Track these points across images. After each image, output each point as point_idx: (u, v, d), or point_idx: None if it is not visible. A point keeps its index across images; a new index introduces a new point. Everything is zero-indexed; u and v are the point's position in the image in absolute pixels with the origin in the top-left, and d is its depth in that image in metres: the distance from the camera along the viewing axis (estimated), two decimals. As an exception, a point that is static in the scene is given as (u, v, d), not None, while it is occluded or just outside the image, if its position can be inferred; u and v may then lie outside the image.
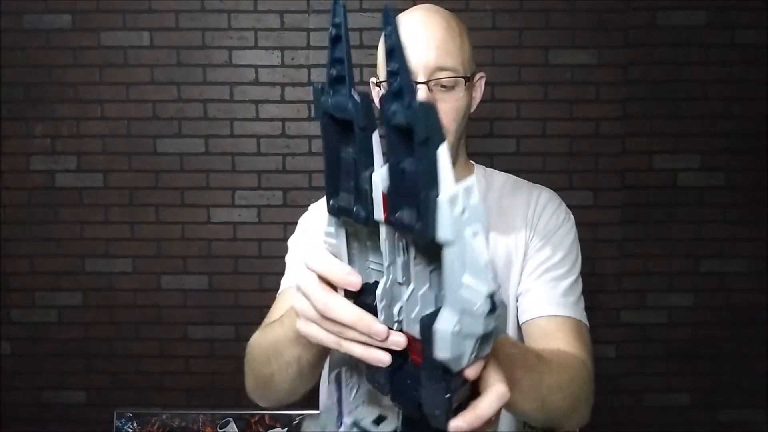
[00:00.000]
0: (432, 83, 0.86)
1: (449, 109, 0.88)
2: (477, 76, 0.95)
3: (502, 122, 1.99)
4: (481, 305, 0.40)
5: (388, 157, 0.44)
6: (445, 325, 0.42)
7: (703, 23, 1.97)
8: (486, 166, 1.05)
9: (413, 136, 0.40)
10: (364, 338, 0.48)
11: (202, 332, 2.04)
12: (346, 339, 0.49)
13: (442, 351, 0.42)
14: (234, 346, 1.99)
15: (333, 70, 0.47)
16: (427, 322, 0.44)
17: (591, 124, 2.00)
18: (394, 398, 0.51)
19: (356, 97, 0.44)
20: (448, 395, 0.45)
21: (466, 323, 0.41)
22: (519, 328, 0.94)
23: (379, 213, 0.43)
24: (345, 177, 0.47)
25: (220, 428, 1.77)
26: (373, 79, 0.95)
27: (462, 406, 0.48)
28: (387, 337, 0.47)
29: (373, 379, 0.52)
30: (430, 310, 0.47)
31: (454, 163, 0.95)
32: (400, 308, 0.48)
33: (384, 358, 0.48)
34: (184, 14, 1.98)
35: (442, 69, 0.86)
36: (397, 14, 0.46)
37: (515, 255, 0.94)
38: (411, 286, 0.47)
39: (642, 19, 1.98)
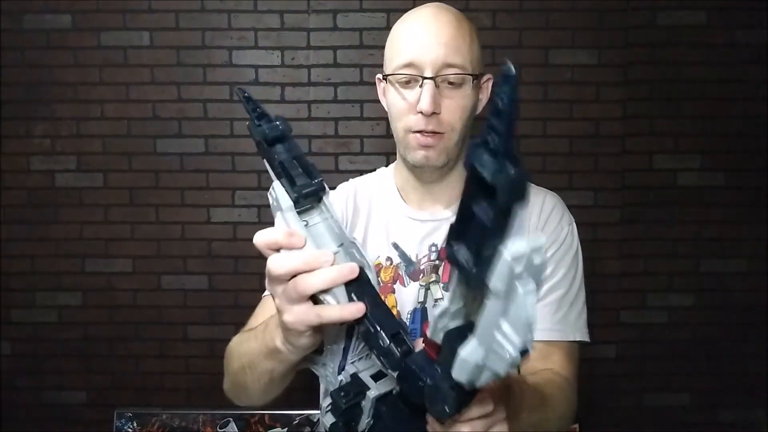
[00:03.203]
0: (439, 79, 0.86)
1: (456, 106, 0.87)
2: (485, 78, 0.94)
3: (502, 122, 1.99)
4: (512, 355, 0.42)
5: (463, 193, 0.44)
6: (471, 355, 0.44)
7: (703, 23, 1.97)
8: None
9: (495, 193, 0.40)
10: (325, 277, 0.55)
11: (202, 332, 2.04)
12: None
13: (459, 374, 0.46)
14: (234, 346, 1.99)
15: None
16: (451, 338, 0.48)
17: (591, 124, 2.00)
18: (400, 379, 0.54)
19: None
20: (457, 401, 0.49)
21: (491, 361, 0.44)
22: None
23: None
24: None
25: (220, 428, 1.77)
26: (379, 75, 0.95)
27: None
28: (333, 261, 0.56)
29: (386, 356, 0.55)
30: (457, 323, 0.49)
31: (457, 163, 0.96)
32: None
33: (359, 307, 0.55)
34: (184, 14, 1.98)
35: (450, 66, 0.86)
36: (510, 73, 0.42)
37: None
38: (445, 303, 0.50)
39: (642, 19, 1.98)
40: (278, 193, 0.57)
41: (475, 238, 0.43)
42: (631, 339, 2.05)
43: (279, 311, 0.60)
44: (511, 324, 0.42)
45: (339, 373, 0.64)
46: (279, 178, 0.57)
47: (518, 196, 0.40)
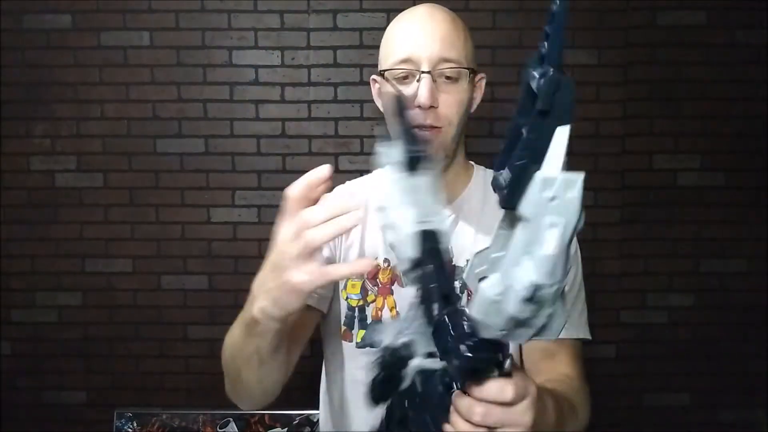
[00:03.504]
0: (436, 73, 0.86)
1: (453, 100, 0.88)
2: (478, 76, 0.95)
3: (502, 122, 1.99)
4: (523, 289, 0.41)
5: (516, 114, 0.44)
6: (490, 288, 0.43)
7: (703, 23, 1.97)
8: (486, 167, 1.04)
9: (535, 104, 0.39)
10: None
11: (202, 332, 2.04)
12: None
13: (476, 309, 0.44)
14: (234, 346, 1.99)
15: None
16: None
17: (591, 124, 2.00)
18: (434, 333, 0.53)
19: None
20: (467, 354, 0.47)
21: (507, 298, 0.42)
22: None
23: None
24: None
25: (220, 428, 1.77)
26: (374, 76, 0.95)
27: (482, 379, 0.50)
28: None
29: (428, 309, 0.54)
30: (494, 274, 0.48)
31: (453, 160, 0.96)
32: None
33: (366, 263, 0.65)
34: (184, 14, 1.98)
35: (446, 60, 0.87)
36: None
37: None
38: (486, 246, 0.49)
39: (642, 19, 1.98)
40: (391, 151, 0.58)
41: (515, 161, 0.42)
42: (631, 339, 2.05)
43: (286, 273, 0.62)
44: (531, 258, 0.40)
45: (395, 339, 0.64)
46: (399, 137, 0.59)
47: (558, 99, 0.39)
